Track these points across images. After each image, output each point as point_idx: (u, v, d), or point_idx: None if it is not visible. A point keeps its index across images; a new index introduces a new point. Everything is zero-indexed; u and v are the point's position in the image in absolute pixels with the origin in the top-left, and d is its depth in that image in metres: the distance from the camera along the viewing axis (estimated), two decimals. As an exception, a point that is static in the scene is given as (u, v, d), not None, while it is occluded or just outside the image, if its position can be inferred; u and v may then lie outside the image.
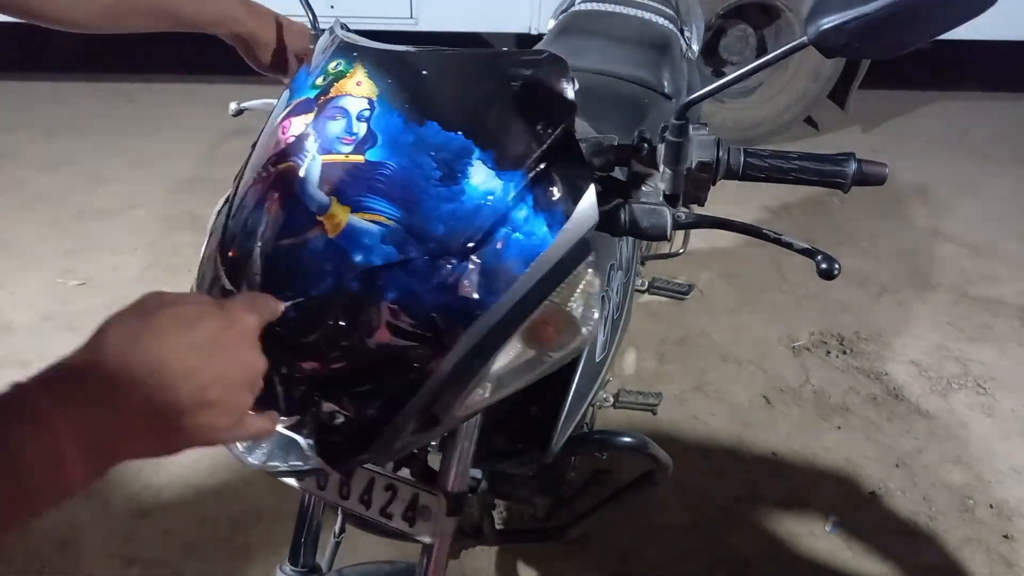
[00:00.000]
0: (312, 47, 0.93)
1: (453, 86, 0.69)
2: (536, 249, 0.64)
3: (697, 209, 0.78)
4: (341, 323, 0.64)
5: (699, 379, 2.16)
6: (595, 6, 1.54)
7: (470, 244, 0.63)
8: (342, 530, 1.10)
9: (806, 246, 0.67)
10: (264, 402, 0.57)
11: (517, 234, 0.64)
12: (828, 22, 0.58)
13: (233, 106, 1.03)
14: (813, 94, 3.50)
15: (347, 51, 0.73)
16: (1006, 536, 1.73)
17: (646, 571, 1.63)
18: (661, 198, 0.74)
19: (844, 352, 2.29)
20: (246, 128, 3.58)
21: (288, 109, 0.72)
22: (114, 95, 3.98)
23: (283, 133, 0.70)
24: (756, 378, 2.18)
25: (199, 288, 0.73)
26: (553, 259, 0.65)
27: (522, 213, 0.64)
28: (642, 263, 1.82)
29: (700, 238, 2.52)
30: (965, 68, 4.43)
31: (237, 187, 0.75)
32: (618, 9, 1.53)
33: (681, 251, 1.79)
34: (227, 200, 0.79)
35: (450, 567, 0.91)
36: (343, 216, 0.63)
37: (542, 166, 0.65)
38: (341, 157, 0.66)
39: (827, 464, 1.90)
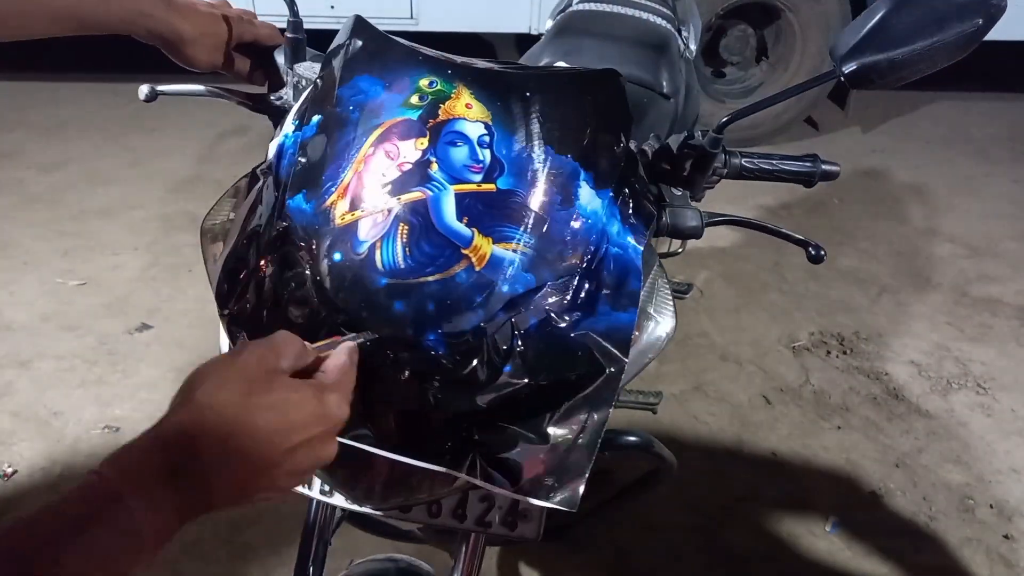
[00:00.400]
0: (291, 35, 0.87)
1: (551, 108, 0.70)
2: (634, 261, 0.68)
3: (699, 206, 0.82)
4: (496, 357, 0.63)
5: (699, 379, 2.16)
6: (592, 6, 1.54)
7: (585, 263, 0.65)
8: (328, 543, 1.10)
9: (799, 237, 0.79)
10: (418, 442, 0.60)
11: (616, 248, 0.67)
12: (860, 63, 0.69)
13: (144, 89, 0.92)
14: (813, 94, 3.50)
15: (438, 68, 0.72)
16: (1006, 536, 1.73)
17: (646, 571, 1.63)
18: (688, 199, 0.80)
19: (844, 352, 2.29)
20: (246, 128, 3.58)
21: (381, 130, 0.69)
22: (114, 95, 3.98)
23: (391, 158, 0.67)
24: (756, 378, 2.18)
25: (287, 319, 0.65)
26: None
27: (615, 228, 0.68)
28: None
29: (700, 238, 2.53)
30: (965, 68, 4.43)
31: (331, 207, 0.67)
32: (615, 9, 1.53)
33: (680, 250, 1.79)
34: (272, 209, 0.70)
35: (450, 567, 0.91)
36: (487, 247, 0.64)
37: (619, 180, 0.69)
38: (473, 186, 0.65)
39: (827, 464, 1.90)
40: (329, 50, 0.79)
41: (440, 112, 0.68)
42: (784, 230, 0.79)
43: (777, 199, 3.10)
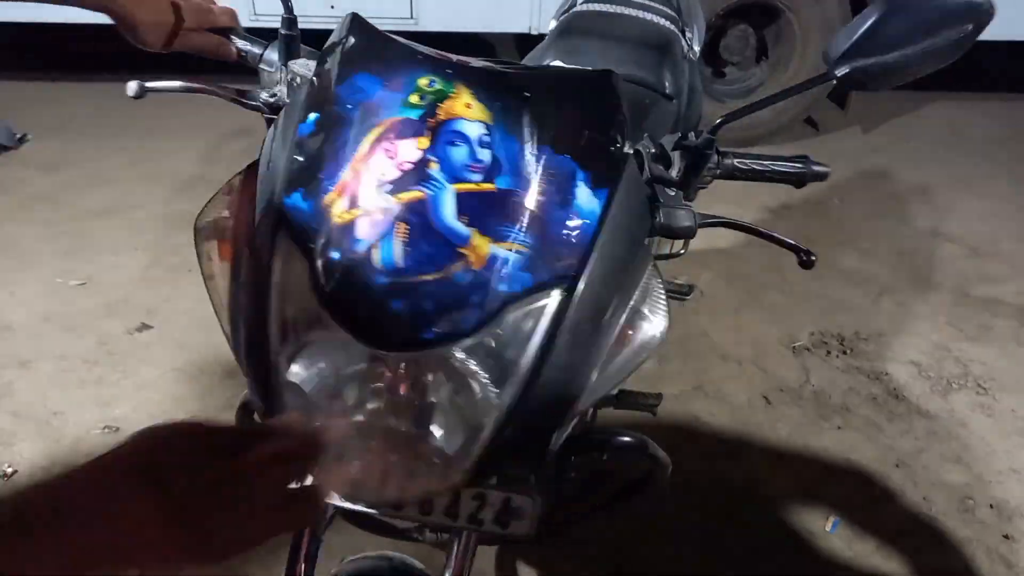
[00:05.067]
0: (285, 32, 0.88)
1: (550, 108, 0.71)
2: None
3: (693, 207, 0.82)
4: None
5: (699, 379, 2.16)
6: (596, 7, 1.54)
7: (580, 260, 0.66)
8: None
9: (789, 241, 0.80)
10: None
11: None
12: (853, 66, 0.71)
13: (133, 86, 0.92)
14: (812, 94, 3.50)
15: (437, 67, 0.72)
16: (1006, 536, 1.73)
17: (645, 571, 1.63)
18: (682, 199, 0.80)
19: (844, 352, 2.29)
20: (248, 129, 3.58)
21: (381, 129, 0.68)
22: (114, 95, 3.98)
23: (391, 157, 0.67)
24: (756, 378, 2.18)
25: (272, 327, 0.65)
26: (631, 267, 0.70)
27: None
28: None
29: (701, 239, 2.52)
30: (965, 68, 4.43)
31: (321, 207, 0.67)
32: (619, 10, 1.53)
33: (682, 251, 1.79)
34: (268, 206, 0.71)
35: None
36: (485, 247, 0.64)
37: (616, 181, 0.69)
38: (473, 186, 0.66)
39: (827, 464, 1.90)
40: (324, 47, 0.79)
41: (440, 111, 0.68)
42: (775, 234, 0.80)
43: (776, 199, 3.10)
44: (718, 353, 2.27)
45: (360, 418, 0.64)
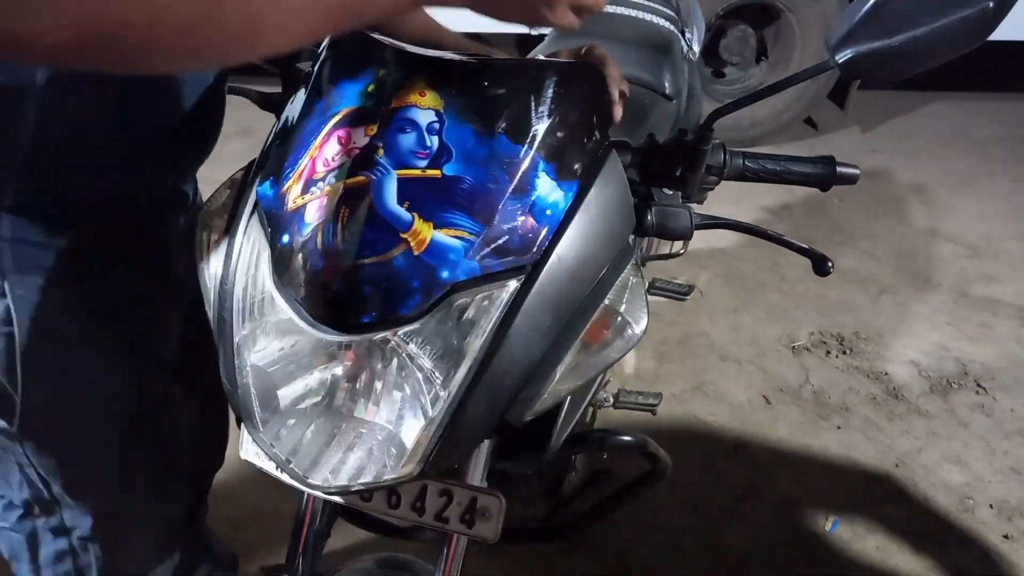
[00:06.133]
0: None
1: (512, 97, 0.69)
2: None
3: (699, 209, 0.81)
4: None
5: (699, 379, 2.16)
6: (595, 7, 1.54)
7: (539, 253, 0.65)
8: (327, 535, 1.10)
9: (804, 246, 0.75)
10: None
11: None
12: (855, 51, 0.65)
13: None
14: (812, 94, 3.50)
15: (400, 59, 0.72)
16: (1006, 536, 1.73)
17: (646, 571, 1.63)
18: (680, 199, 0.79)
19: (844, 352, 2.30)
20: (248, 129, 3.57)
21: (338, 118, 0.70)
22: (114, 95, 3.98)
23: (341, 144, 0.68)
24: (756, 378, 2.18)
25: (235, 309, 0.69)
26: (606, 264, 0.69)
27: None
28: (643, 263, 1.82)
29: (700, 238, 2.51)
30: (965, 68, 4.43)
31: (281, 199, 0.70)
32: (619, 10, 1.53)
33: (681, 251, 1.79)
34: (241, 195, 0.75)
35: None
36: (427, 232, 0.63)
37: (590, 175, 0.68)
38: (418, 172, 0.65)
39: (827, 464, 1.90)
40: (320, 48, 0.81)
41: (393, 100, 0.69)
42: (786, 238, 0.76)
43: (776, 199, 3.10)
44: (718, 353, 2.27)
45: (309, 402, 0.65)
